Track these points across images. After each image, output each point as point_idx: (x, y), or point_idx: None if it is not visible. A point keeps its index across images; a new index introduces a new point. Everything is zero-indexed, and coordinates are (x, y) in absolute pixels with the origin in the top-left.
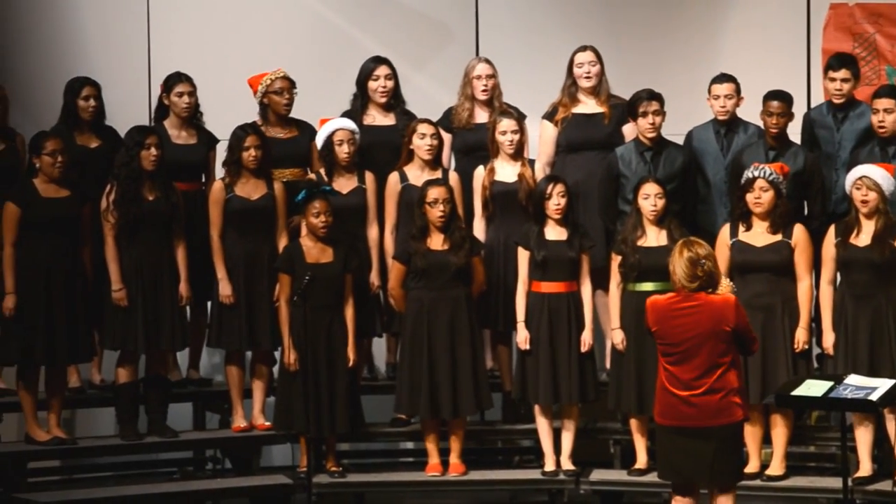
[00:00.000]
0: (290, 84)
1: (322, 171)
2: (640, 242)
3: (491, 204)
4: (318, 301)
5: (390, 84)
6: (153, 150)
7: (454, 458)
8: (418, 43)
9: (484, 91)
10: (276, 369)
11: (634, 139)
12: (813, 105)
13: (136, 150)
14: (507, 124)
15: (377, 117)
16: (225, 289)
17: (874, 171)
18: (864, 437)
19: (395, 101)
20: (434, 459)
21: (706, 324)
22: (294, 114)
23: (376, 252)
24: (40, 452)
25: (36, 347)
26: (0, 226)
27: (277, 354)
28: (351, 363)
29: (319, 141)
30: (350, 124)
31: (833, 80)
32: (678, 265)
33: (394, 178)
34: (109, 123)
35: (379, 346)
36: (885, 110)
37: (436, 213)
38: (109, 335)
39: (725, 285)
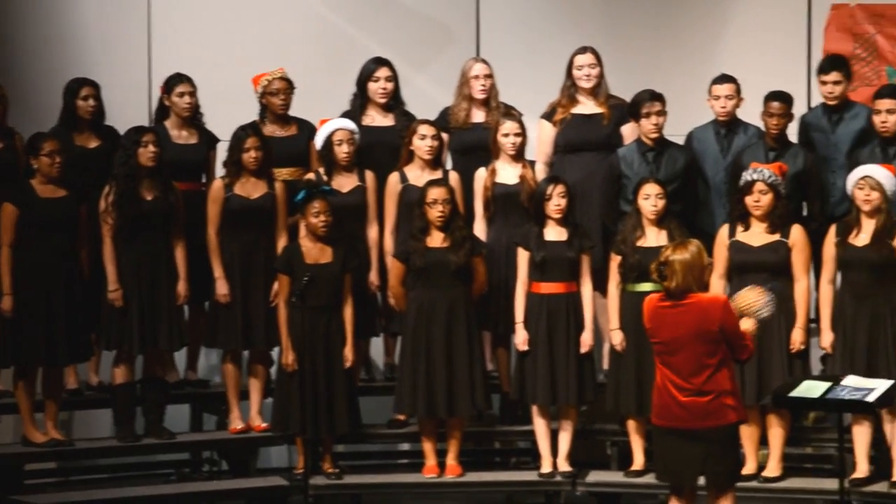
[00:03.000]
0: (288, 85)
1: (321, 170)
2: (639, 243)
3: (492, 205)
4: (317, 301)
5: (390, 86)
6: (151, 148)
7: (451, 460)
8: (419, 44)
9: (482, 91)
10: (273, 370)
11: (636, 140)
12: (814, 105)
13: (133, 149)
14: (510, 126)
15: (376, 118)
16: (222, 288)
17: (877, 171)
18: (861, 439)
19: (394, 102)
20: (431, 461)
21: (692, 323)
22: (295, 113)
23: (376, 252)
24: (37, 454)
25: (34, 348)
26: None
27: (275, 355)
28: (349, 364)
29: (319, 141)
30: (350, 124)
31: (825, 82)
32: None
33: (394, 178)
34: (110, 124)
35: (377, 346)
36: (888, 111)
37: (435, 212)
38: (106, 335)
39: (749, 322)
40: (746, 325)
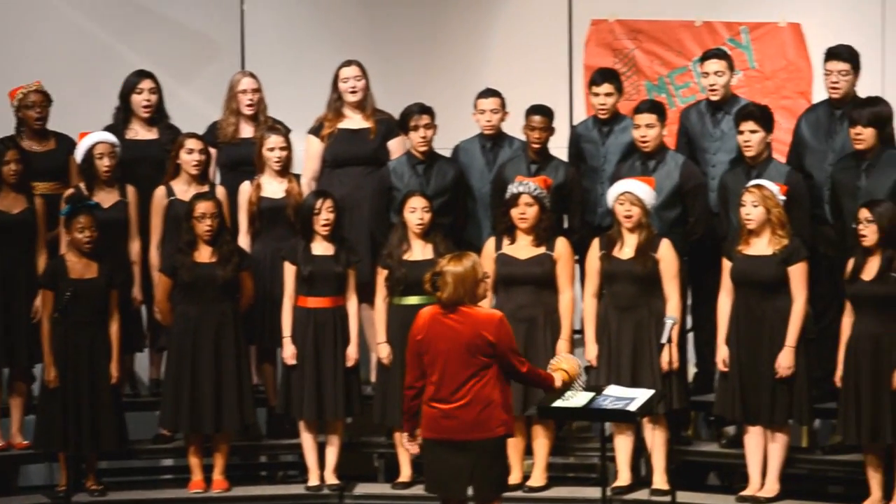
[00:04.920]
0: (44, 98)
1: (82, 185)
2: (405, 256)
3: (258, 220)
4: (81, 317)
5: (154, 98)
6: None
7: (217, 475)
8: (184, 57)
9: (249, 105)
10: (36, 386)
11: (406, 153)
12: (575, 120)
13: None
14: (274, 140)
15: (140, 131)
16: None
17: (636, 187)
18: (623, 447)
19: (158, 115)
20: (197, 476)
21: (463, 335)
22: (57, 127)
23: (139, 267)
24: None
25: None
26: None
27: (38, 371)
28: (114, 379)
29: (79, 155)
30: (110, 137)
31: (596, 94)
32: None
33: (160, 192)
34: None
35: (142, 361)
36: (647, 125)
37: (203, 226)
38: None
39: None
40: (562, 373)
